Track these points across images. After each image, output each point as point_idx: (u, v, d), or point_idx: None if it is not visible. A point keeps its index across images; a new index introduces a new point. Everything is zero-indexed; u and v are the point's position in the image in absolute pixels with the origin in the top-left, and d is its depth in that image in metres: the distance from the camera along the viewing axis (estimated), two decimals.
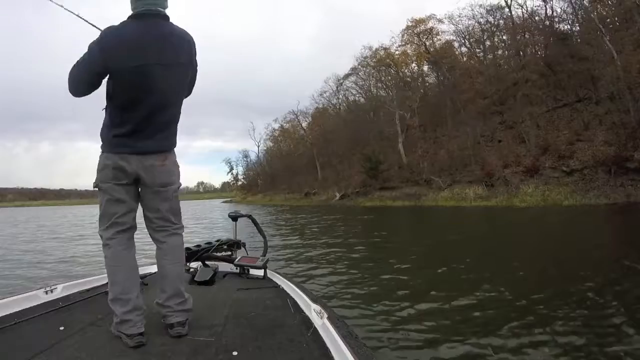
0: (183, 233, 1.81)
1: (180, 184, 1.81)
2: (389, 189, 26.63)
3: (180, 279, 1.74)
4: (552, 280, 4.69)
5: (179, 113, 1.77)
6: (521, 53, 26.11)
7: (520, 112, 22.79)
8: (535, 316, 3.44)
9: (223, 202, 61.98)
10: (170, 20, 1.69)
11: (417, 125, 28.88)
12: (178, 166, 1.79)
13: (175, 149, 1.80)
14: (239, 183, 70.81)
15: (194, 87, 1.85)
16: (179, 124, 1.80)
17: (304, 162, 45.04)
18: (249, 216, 3.26)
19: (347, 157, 36.88)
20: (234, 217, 3.23)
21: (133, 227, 1.72)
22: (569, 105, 22.81)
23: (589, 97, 22.18)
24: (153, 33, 1.61)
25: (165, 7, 1.68)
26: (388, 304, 3.97)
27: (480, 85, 26.12)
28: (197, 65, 1.78)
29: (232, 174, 71.97)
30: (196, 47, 1.73)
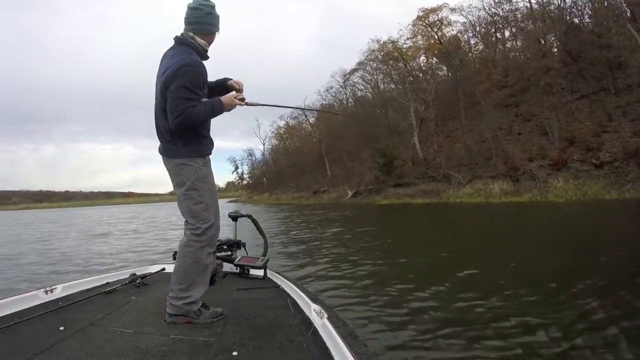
0: (196, 232, 1.85)
1: (191, 185, 1.86)
2: (404, 186, 25.66)
3: (176, 274, 1.84)
4: None
5: (167, 128, 1.84)
6: (542, 41, 25.06)
7: (543, 103, 21.82)
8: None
9: (229, 201, 61.26)
10: (187, 45, 1.88)
11: (432, 118, 27.87)
12: (188, 168, 1.87)
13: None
14: (244, 182, 70.18)
15: (174, 121, 1.78)
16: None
17: (312, 159, 44.07)
18: (249, 216, 3.23)
19: (357, 153, 36.00)
20: (234, 217, 3.20)
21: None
22: (587, 96, 22.01)
23: (607, 88, 21.37)
24: (165, 53, 1.93)
25: (185, 35, 1.89)
26: (389, 304, 3.97)
27: (498, 76, 25.10)
28: (172, 91, 1.76)
29: (237, 173, 71.31)
30: (181, 74, 1.75)
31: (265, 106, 2.20)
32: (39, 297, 1.98)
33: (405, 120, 29.81)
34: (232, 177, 73.90)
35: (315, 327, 1.64)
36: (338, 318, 1.79)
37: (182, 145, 1.85)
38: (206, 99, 1.89)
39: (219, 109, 1.90)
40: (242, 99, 2.00)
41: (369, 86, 42.03)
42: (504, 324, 3.30)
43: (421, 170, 25.95)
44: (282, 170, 51.12)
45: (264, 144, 61.73)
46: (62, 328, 1.61)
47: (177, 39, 1.90)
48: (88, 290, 2.21)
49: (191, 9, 1.87)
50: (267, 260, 2.76)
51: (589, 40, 21.92)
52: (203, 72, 1.85)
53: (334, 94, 46.19)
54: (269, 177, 56.66)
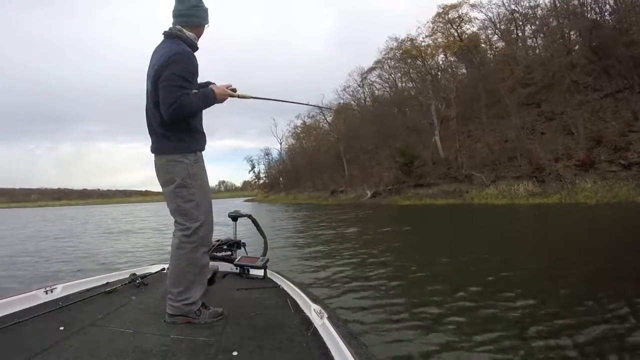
0: (186, 233, 1.80)
1: (181, 183, 1.81)
2: (425, 186, 25.40)
3: (172, 277, 1.81)
4: None
5: (159, 120, 1.80)
6: (566, 36, 24.55)
7: (568, 102, 21.42)
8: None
9: (245, 200, 61.94)
10: (176, 37, 1.85)
11: (454, 117, 27.55)
12: (179, 164, 1.82)
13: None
14: (261, 181, 70.76)
15: (167, 110, 1.74)
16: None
17: (329, 159, 43.96)
18: (249, 216, 3.24)
19: (375, 152, 35.87)
20: (234, 217, 3.21)
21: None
22: (611, 94, 21.48)
23: (632, 86, 20.83)
24: (155, 48, 1.90)
25: (173, 28, 1.87)
26: (389, 305, 3.98)
27: (522, 73, 24.69)
28: (164, 79, 1.73)
29: (253, 172, 71.99)
30: (173, 62, 1.73)
31: (257, 99, 2.17)
32: (39, 297, 1.99)
33: (426, 119, 29.51)
34: (249, 176, 74.61)
35: (315, 327, 1.65)
36: (338, 318, 1.83)
37: (176, 139, 1.82)
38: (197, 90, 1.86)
39: (212, 99, 1.87)
40: (234, 90, 2.00)
41: (387, 85, 41.85)
42: (509, 327, 3.24)
43: (442, 171, 25.66)
44: (298, 170, 51.26)
45: (280, 144, 62.14)
46: (62, 328, 1.62)
47: (165, 33, 1.89)
48: (88, 290, 2.22)
49: (178, 2, 1.88)
50: (267, 260, 2.78)
51: (612, 36, 21.40)
52: (194, 61, 1.82)
53: (351, 92, 46.08)
54: (286, 176, 57.01)
